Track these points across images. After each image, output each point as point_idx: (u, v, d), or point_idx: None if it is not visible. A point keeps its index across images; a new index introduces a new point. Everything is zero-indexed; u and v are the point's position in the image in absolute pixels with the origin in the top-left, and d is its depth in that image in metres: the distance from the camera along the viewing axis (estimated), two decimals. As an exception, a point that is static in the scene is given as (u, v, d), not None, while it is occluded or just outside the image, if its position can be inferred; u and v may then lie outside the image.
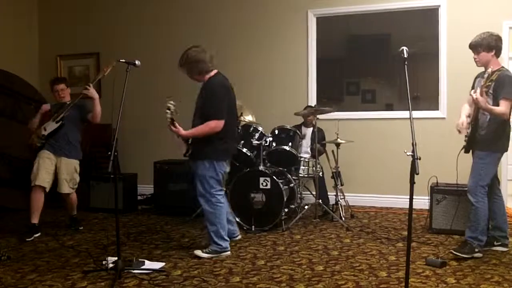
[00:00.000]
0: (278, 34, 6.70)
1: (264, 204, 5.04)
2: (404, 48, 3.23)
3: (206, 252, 4.18)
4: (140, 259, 3.99)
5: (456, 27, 5.95)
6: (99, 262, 3.99)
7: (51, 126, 5.02)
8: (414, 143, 2.91)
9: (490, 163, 4.01)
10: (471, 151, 4.17)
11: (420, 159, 2.86)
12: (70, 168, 5.08)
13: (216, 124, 4.05)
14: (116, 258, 3.72)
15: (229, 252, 4.24)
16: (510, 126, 4.07)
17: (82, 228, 5.28)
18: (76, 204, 5.29)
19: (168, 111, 3.99)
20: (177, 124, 4.07)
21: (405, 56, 3.21)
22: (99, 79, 5.22)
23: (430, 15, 6.12)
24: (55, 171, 5.01)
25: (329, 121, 5.85)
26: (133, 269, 3.77)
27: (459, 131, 4.20)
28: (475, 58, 4.08)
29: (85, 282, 3.58)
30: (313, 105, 6.21)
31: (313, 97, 6.56)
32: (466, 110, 4.24)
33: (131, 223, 5.59)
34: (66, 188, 5.05)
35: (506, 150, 4.10)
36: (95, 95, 4.98)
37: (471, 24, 5.90)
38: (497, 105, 3.89)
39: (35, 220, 4.93)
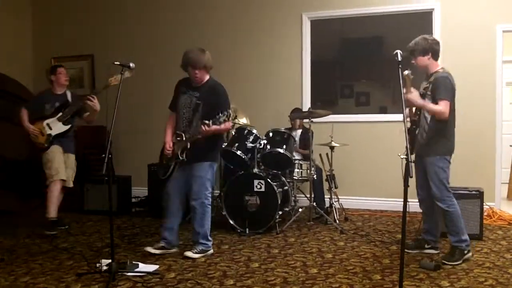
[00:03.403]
0: (273, 37, 6.71)
1: (258, 207, 5.05)
2: (398, 51, 3.26)
3: (197, 252, 4.23)
4: (134, 262, 3.98)
5: (449, 31, 5.98)
6: (93, 264, 3.98)
7: (58, 127, 5.10)
8: (408, 146, 2.93)
9: (444, 166, 4.00)
10: (415, 155, 4.14)
11: (414, 162, 2.87)
12: (73, 162, 5.30)
13: (230, 125, 4.22)
14: (110, 261, 3.70)
15: (212, 250, 4.34)
16: (453, 127, 4.04)
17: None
18: None
19: None
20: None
21: (399, 59, 3.23)
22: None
23: (424, 19, 6.14)
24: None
25: (323, 124, 5.86)
26: (127, 272, 3.76)
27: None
28: (413, 63, 4.08)
29: (78, 284, 3.56)
30: (298, 107, 6.24)
31: (307, 100, 6.57)
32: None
33: (125, 225, 5.57)
34: (71, 182, 5.25)
35: (453, 152, 4.06)
36: (98, 107, 5.00)
37: (464, 27, 5.95)
38: None
39: (55, 214, 5.08)
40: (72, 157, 5.29)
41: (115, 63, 3.94)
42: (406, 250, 4.15)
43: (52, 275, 3.79)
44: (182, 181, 4.31)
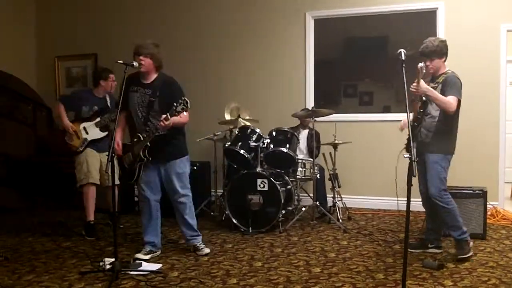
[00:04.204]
0: (276, 36, 6.70)
1: (262, 206, 5.04)
2: (402, 50, 3.25)
3: (205, 246, 4.33)
4: (137, 261, 3.98)
5: (453, 30, 5.96)
6: (96, 263, 3.99)
7: (95, 132, 5.01)
8: (411, 146, 2.92)
9: (446, 166, 4.04)
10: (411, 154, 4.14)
11: (417, 161, 2.87)
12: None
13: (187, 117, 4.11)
14: (113, 259, 3.71)
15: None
16: (457, 127, 4.09)
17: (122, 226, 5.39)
18: None
19: None
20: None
21: (403, 58, 3.22)
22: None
23: (428, 18, 6.12)
24: (100, 167, 5.07)
25: (326, 123, 5.85)
26: (130, 270, 3.78)
27: (401, 129, 4.28)
28: (428, 65, 4.01)
29: (82, 283, 3.58)
30: (309, 108, 6.23)
31: (311, 99, 6.56)
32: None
33: (128, 224, 5.58)
34: (116, 179, 5.03)
35: (454, 151, 4.10)
36: None
37: (468, 27, 5.93)
38: None
39: (92, 217, 5.02)
40: None
41: (118, 62, 3.94)
42: (409, 250, 4.16)
43: (55, 273, 3.80)
44: (156, 182, 4.27)
